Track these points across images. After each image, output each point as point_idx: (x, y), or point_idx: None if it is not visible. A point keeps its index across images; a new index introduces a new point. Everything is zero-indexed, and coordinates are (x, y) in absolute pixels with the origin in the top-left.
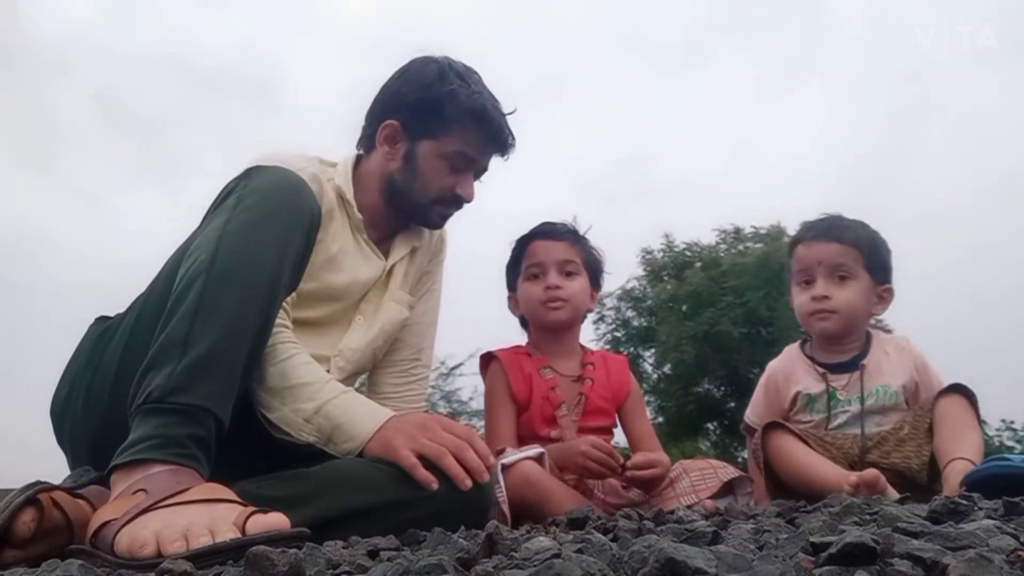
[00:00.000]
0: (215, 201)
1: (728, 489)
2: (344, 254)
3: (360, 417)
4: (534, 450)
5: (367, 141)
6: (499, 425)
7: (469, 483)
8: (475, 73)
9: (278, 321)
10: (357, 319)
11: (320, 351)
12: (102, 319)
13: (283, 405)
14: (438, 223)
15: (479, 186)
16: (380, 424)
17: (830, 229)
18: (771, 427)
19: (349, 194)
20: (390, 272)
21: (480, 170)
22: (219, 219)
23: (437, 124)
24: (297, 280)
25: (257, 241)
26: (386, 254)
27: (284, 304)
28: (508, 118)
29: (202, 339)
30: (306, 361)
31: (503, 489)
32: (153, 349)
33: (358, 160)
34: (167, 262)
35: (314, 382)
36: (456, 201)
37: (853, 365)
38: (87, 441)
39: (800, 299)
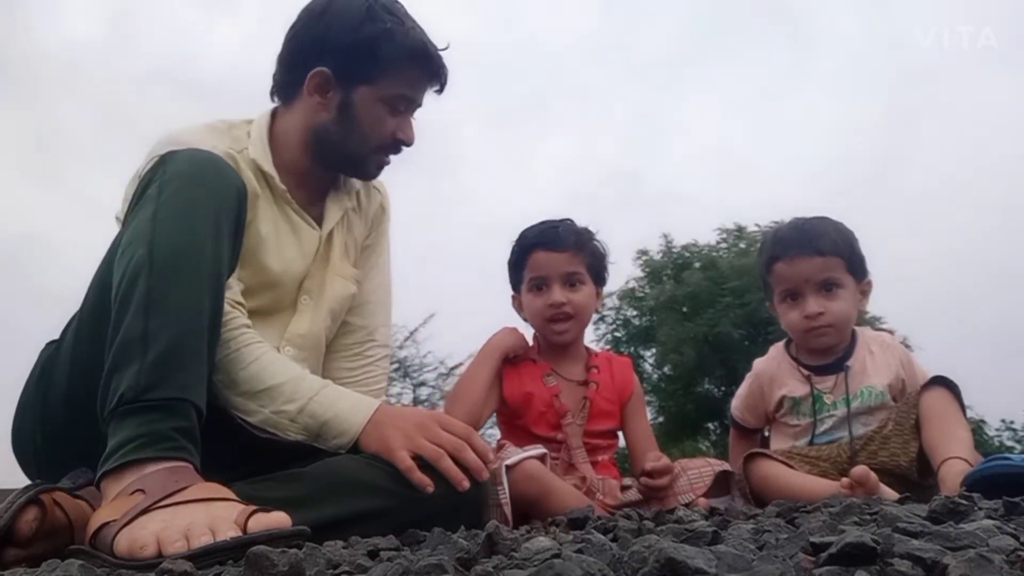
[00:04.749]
0: (134, 194)
1: (726, 488)
2: (273, 236)
3: (346, 411)
4: (537, 450)
5: (285, 91)
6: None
7: (467, 485)
8: (401, 6)
9: (239, 320)
10: (303, 300)
11: (271, 342)
12: (51, 343)
13: (263, 408)
14: (374, 173)
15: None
16: (368, 416)
17: (809, 241)
18: (752, 457)
19: (267, 164)
20: (329, 241)
21: (416, 107)
22: (146, 211)
23: (373, 67)
24: (235, 260)
25: (191, 226)
26: (319, 220)
27: (237, 299)
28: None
29: (161, 332)
30: (275, 359)
31: (506, 491)
32: (112, 353)
33: (274, 115)
34: (98, 268)
35: (289, 380)
36: (396, 147)
37: (838, 367)
38: (56, 468)
39: (791, 317)
